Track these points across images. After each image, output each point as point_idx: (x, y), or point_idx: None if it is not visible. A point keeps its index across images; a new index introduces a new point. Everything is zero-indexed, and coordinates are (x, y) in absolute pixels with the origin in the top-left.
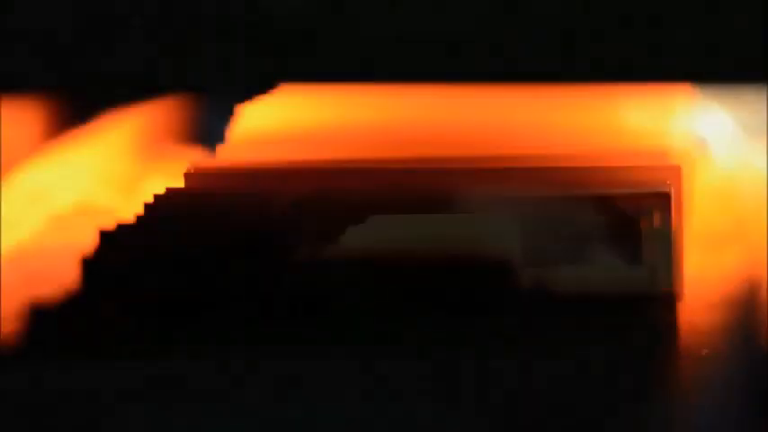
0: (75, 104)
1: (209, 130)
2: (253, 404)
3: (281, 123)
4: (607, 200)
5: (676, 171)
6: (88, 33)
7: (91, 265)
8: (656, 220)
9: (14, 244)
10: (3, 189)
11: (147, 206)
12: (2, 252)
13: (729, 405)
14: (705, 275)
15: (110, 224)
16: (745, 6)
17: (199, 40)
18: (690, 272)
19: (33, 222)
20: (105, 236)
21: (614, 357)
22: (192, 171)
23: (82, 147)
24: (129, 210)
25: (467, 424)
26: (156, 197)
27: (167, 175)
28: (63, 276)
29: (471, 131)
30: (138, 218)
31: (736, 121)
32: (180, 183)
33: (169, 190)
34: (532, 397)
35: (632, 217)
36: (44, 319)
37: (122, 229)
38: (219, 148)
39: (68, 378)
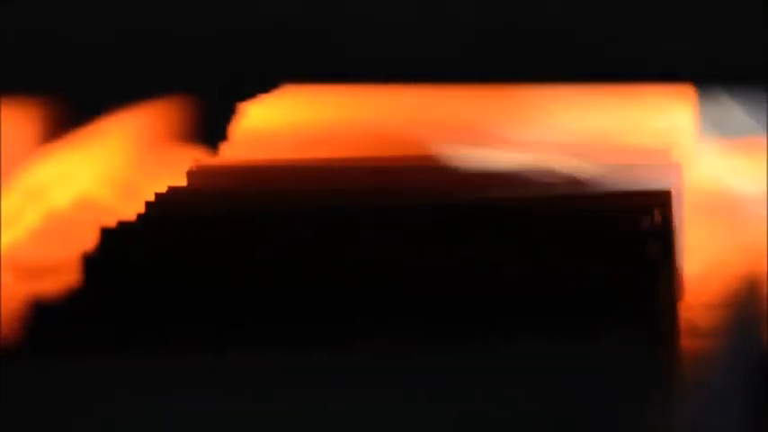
0: (75, 105)
1: (210, 130)
2: (253, 403)
3: (283, 122)
4: (608, 198)
5: (677, 169)
6: (89, 34)
7: (92, 263)
8: (657, 218)
9: (14, 242)
10: (2, 188)
11: (148, 204)
12: (1, 250)
13: (729, 405)
14: (705, 275)
15: (111, 222)
16: (747, 7)
17: (200, 40)
18: (690, 271)
19: (33, 220)
20: (107, 234)
21: (613, 357)
22: (195, 169)
23: (82, 146)
24: (130, 208)
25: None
26: (158, 195)
27: (169, 174)
28: (63, 275)
29: (471, 130)
30: (140, 216)
31: (735, 121)
32: (182, 181)
33: (171, 188)
34: (529, 396)
35: (633, 215)
36: (44, 317)
37: (124, 226)
38: (222, 147)
39: (68, 377)
